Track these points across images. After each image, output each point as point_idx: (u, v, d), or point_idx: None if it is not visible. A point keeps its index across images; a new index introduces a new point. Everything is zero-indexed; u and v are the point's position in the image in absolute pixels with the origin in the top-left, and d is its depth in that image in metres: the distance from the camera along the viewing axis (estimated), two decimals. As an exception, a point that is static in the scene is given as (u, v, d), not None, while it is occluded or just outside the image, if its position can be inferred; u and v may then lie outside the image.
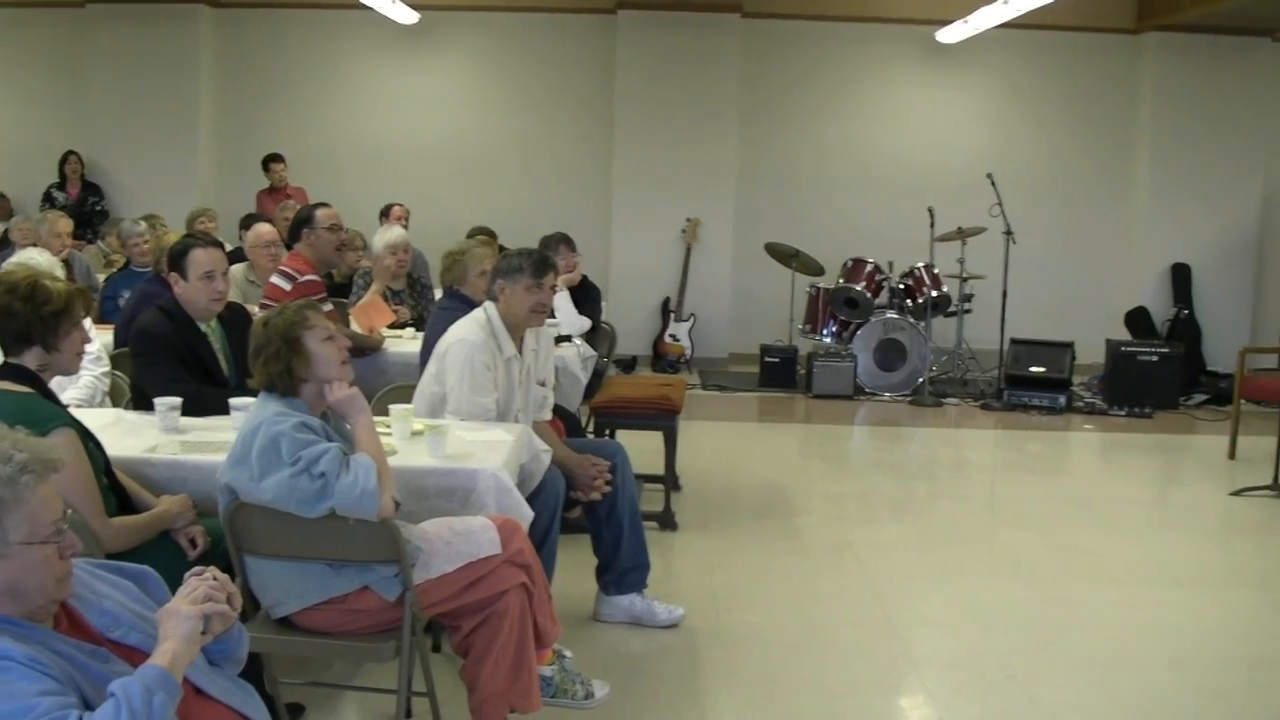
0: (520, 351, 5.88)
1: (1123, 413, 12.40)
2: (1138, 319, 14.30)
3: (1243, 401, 10.76)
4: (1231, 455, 10.53)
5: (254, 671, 4.46)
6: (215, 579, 2.97)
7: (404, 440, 5.14)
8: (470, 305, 6.41)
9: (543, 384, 6.16)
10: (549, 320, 6.27)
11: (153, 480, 4.70)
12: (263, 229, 8.90)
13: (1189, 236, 14.48)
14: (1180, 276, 14.51)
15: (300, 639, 4.38)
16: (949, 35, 13.94)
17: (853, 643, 6.08)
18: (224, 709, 3.02)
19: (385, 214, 12.00)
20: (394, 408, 5.29)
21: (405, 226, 10.56)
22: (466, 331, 5.75)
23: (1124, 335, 13.88)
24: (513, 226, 11.58)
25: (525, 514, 4.87)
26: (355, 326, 7.84)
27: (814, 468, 10.36)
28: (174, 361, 5.56)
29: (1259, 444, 10.43)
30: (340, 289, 9.14)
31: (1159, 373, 12.72)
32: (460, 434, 5.20)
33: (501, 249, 7.97)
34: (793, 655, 5.87)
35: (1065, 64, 14.74)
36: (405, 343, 7.92)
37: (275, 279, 7.57)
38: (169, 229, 9.64)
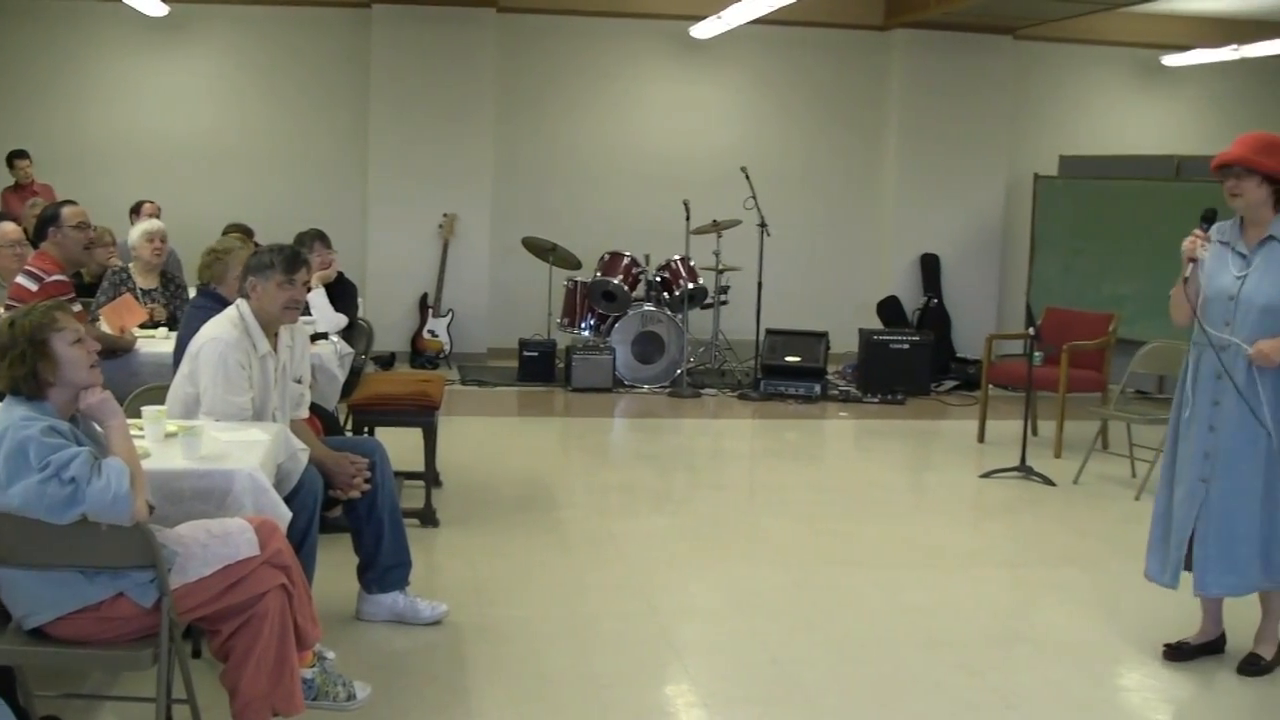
0: (275, 349, 5.80)
1: (876, 400, 12.72)
2: (889, 308, 14.67)
3: (990, 386, 11.12)
4: (981, 439, 10.88)
5: (6, 685, 4.34)
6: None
7: (157, 442, 5.03)
8: (225, 305, 6.29)
9: (299, 382, 6.09)
10: (304, 318, 6.19)
11: (-109, 490, 4.53)
12: (6, 228, 8.61)
13: (937, 227, 14.92)
14: (929, 266, 14.92)
15: (54, 650, 4.25)
16: (703, 30, 14.10)
17: (617, 633, 6.13)
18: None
19: (136, 211, 11.73)
20: (147, 409, 5.17)
21: (157, 225, 10.34)
22: (219, 330, 5.65)
23: (876, 324, 14.24)
24: (268, 223, 11.39)
25: (283, 514, 4.82)
26: (105, 327, 7.64)
27: (575, 461, 10.41)
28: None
29: (1006, 427, 10.78)
30: (89, 289, 8.90)
31: (910, 360, 13.08)
32: (215, 434, 5.11)
33: (256, 246, 7.84)
34: (558, 648, 5.90)
35: (816, 60, 15.05)
36: (158, 343, 7.72)
37: (21, 279, 7.33)
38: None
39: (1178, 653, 6.00)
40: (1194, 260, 5.69)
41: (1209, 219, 5.78)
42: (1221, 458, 5.66)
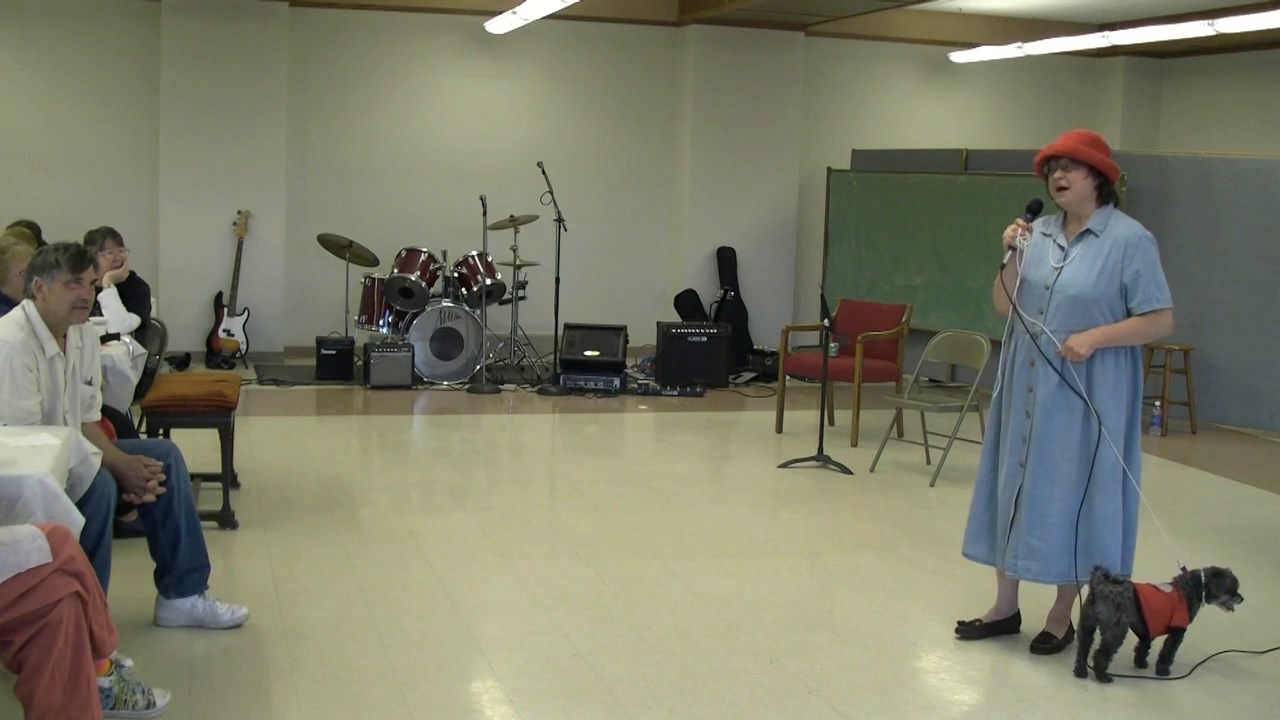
0: (64, 350, 5.67)
1: (675, 392, 12.83)
2: (687, 301, 14.81)
3: (787, 377, 11.28)
4: (779, 429, 11.04)
5: None
6: None
7: (-58, 449, 4.90)
8: (11, 305, 6.14)
9: (89, 383, 5.96)
10: (96, 318, 6.05)
11: None
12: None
13: (733, 221, 15.12)
14: (726, 260, 15.08)
15: None
16: (498, 25, 14.06)
17: (420, 631, 6.10)
18: None
19: (-88, 209, 11.40)
20: (-71, 415, 5.04)
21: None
22: (4, 332, 5.50)
23: (674, 317, 14.37)
24: (56, 221, 11.08)
25: (75, 520, 4.71)
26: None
27: (374, 459, 10.32)
28: None
29: (803, 417, 10.98)
30: None
31: (708, 352, 13.23)
32: (3, 439, 4.98)
33: (42, 244, 7.66)
34: (361, 648, 5.85)
35: (612, 55, 15.15)
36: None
37: None
38: None
39: (969, 629, 6.18)
40: (1013, 248, 5.88)
41: (1034, 210, 6.00)
42: (1035, 443, 5.86)
